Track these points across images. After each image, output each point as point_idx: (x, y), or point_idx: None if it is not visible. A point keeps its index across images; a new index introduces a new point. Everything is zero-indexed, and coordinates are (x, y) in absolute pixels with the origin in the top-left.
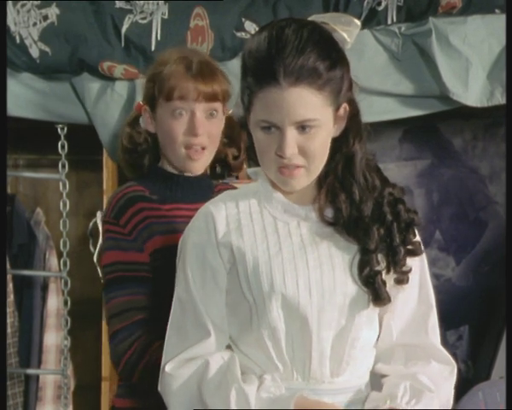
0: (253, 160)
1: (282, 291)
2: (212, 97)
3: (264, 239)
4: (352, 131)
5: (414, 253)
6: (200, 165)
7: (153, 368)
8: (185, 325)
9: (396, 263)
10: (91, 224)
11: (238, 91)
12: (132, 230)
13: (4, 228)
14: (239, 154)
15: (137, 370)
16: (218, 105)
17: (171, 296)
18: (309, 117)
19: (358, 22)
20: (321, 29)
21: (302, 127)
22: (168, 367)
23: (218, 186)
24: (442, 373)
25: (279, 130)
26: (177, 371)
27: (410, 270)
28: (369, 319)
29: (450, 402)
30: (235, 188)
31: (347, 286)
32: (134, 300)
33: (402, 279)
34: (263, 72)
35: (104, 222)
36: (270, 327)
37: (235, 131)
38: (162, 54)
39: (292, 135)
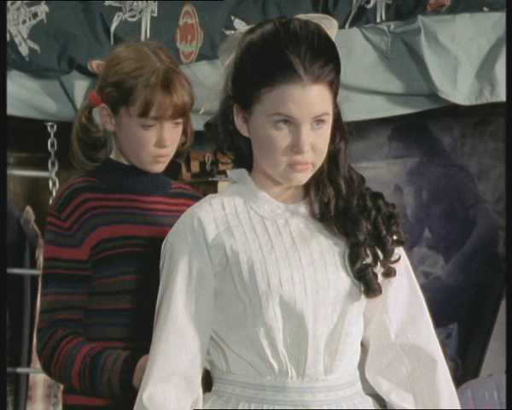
0: (235, 162)
1: (279, 289)
2: (183, 113)
3: (256, 238)
4: (338, 130)
5: (400, 242)
6: (163, 166)
7: (64, 367)
8: (164, 336)
9: (386, 253)
10: None
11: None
12: (73, 224)
13: (4, 228)
14: (186, 140)
15: (51, 367)
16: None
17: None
18: (325, 111)
19: (336, 22)
20: (322, 27)
21: (316, 122)
22: (143, 394)
23: (175, 184)
24: (448, 382)
25: (293, 125)
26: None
27: (399, 259)
28: (359, 315)
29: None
30: (189, 189)
31: (339, 282)
32: (62, 299)
33: (390, 271)
34: (281, 68)
35: (48, 213)
36: (265, 325)
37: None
38: (118, 53)
39: (307, 131)
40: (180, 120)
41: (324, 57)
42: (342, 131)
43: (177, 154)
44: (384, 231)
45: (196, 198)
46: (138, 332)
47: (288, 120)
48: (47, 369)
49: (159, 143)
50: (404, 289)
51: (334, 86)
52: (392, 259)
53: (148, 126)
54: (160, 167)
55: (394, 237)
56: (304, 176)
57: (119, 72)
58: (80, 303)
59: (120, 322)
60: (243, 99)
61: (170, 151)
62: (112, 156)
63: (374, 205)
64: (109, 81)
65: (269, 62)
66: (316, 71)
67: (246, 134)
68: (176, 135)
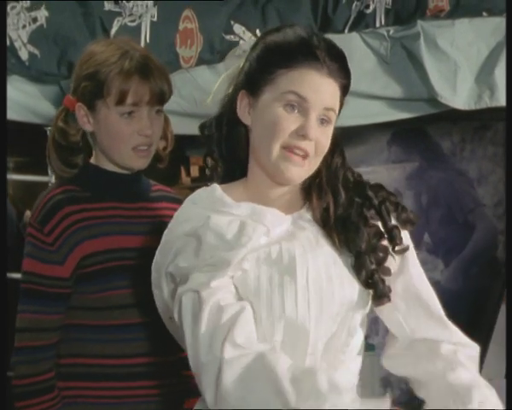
0: (223, 168)
1: (283, 307)
2: (161, 98)
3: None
4: (334, 144)
5: (409, 221)
6: (146, 161)
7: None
8: None
9: (393, 239)
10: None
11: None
12: (57, 239)
13: (4, 232)
14: (167, 145)
15: (24, 401)
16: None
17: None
18: (334, 106)
19: None
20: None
21: (321, 120)
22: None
23: (155, 186)
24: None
25: (302, 111)
26: None
27: (407, 248)
28: (362, 324)
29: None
30: (170, 192)
31: (345, 296)
32: (43, 319)
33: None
34: (304, 52)
35: (29, 224)
36: (265, 335)
37: (164, 123)
38: (92, 48)
39: (315, 120)
40: (160, 108)
41: (341, 63)
42: (338, 145)
43: (159, 158)
44: (390, 221)
45: (177, 201)
46: (126, 350)
47: (298, 106)
48: (18, 397)
49: (140, 132)
50: (410, 277)
51: (342, 96)
52: (400, 247)
53: (127, 115)
54: (142, 163)
55: (403, 218)
56: (296, 171)
57: (93, 64)
58: (58, 324)
59: (106, 338)
60: (254, 81)
61: (152, 142)
62: (92, 161)
63: (378, 197)
64: (83, 75)
65: (292, 46)
66: (335, 68)
67: (246, 121)
68: (157, 125)
